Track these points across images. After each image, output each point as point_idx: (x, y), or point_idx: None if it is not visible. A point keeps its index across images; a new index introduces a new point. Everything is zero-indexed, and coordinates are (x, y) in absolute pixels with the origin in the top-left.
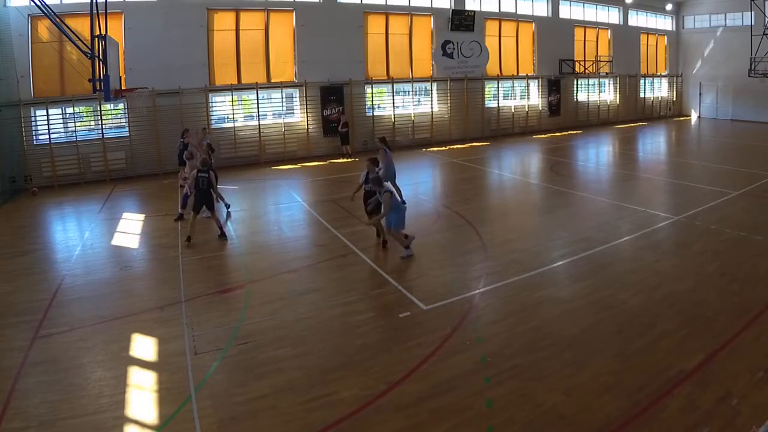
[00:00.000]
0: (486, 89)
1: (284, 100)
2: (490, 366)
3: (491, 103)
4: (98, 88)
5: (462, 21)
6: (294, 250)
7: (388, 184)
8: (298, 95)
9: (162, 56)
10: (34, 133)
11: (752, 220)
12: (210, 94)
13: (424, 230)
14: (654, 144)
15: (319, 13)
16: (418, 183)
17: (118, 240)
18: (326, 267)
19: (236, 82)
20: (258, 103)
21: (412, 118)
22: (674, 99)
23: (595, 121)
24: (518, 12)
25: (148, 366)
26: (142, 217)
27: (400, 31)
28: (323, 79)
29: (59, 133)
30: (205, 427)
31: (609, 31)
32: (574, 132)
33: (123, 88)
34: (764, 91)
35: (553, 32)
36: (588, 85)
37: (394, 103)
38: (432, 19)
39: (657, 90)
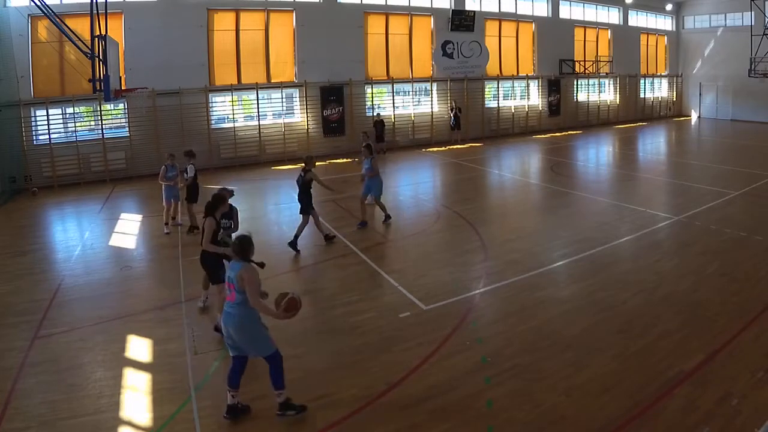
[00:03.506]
0: (486, 89)
1: (284, 100)
2: (490, 366)
3: (491, 103)
4: (98, 88)
5: (462, 21)
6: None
7: None
8: (298, 95)
9: (162, 56)
10: (34, 133)
11: (752, 220)
12: (210, 94)
13: (424, 230)
14: (654, 144)
15: (319, 13)
16: (418, 183)
17: (117, 240)
18: (326, 267)
19: (236, 82)
20: (258, 103)
21: (412, 118)
22: (674, 99)
23: (595, 121)
24: (518, 12)
25: (148, 366)
26: (141, 217)
27: (400, 31)
28: (323, 79)
29: (59, 133)
30: (205, 427)
31: (609, 31)
32: (574, 132)
33: (123, 88)
34: (764, 91)
35: (553, 32)
36: (588, 85)
37: (394, 103)
38: (432, 19)
39: (657, 90)
